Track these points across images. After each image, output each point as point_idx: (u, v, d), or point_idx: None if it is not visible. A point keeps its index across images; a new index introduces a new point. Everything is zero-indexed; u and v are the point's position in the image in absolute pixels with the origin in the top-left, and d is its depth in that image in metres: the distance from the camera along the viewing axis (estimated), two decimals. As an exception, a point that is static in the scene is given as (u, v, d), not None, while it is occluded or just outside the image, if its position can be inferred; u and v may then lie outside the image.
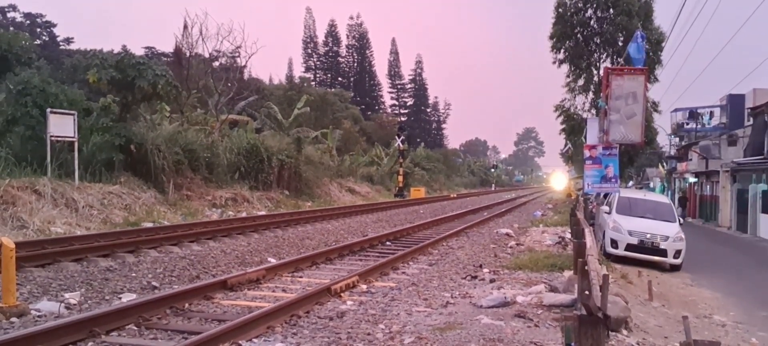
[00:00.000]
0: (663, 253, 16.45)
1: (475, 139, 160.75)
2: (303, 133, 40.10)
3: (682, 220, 18.81)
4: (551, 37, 29.41)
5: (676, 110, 49.88)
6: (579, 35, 29.28)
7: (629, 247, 16.48)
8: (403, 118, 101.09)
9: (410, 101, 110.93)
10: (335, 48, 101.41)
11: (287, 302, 8.19)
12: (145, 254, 12.08)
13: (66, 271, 10.06)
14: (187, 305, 8.37)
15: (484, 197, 52.48)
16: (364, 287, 10.20)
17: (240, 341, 6.78)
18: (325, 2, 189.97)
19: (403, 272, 12.06)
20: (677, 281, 15.46)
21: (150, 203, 19.60)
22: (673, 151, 53.82)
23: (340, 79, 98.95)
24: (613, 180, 16.91)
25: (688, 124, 47.36)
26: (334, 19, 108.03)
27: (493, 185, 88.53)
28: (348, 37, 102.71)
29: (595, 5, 28.68)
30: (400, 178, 46.00)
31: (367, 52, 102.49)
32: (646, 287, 12.77)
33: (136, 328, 7.20)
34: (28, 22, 54.88)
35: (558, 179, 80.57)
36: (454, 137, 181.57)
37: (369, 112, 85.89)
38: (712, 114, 46.81)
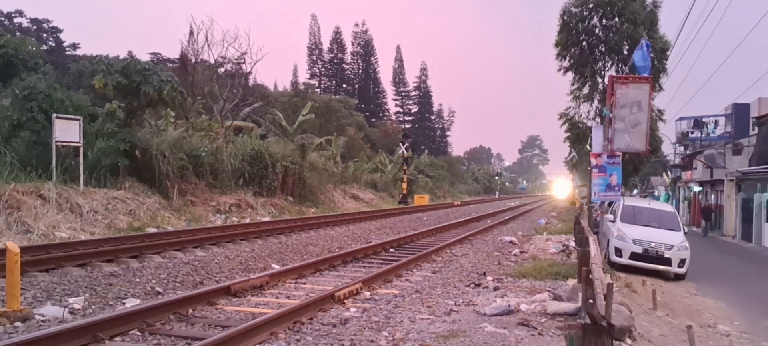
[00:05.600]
0: (667, 262, 16.40)
1: (480, 147, 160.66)
2: (307, 140, 40.17)
3: (689, 231, 18.67)
4: (556, 45, 29.39)
5: (681, 119, 49.80)
6: (584, 43, 29.25)
7: (633, 256, 16.44)
8: (407, 126, 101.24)
9: (415, 108, 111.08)
10: (340, 55, 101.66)
11: (290, 308, 8.18)
12: (149, 259, 12.10)
13: (70, 276, 10.08)
14: (190, 310, 8.38)
15: (488, 205, 52.44)
16: (367, 294, 10.19)
17: (243, 348, 6.77)
18: (331, 9, 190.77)
19: (407, 280, 12.04)
20: (681, 290, 15.41)
21: (154, 209, 19.63)
22: (677, 160, 53.70)
23: (344, 86, 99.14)
24: (616, 188, 16.91)
25: (692, 133, 47.25)
26: (340, 26, 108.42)
27: (498, 193, 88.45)
28: (353, 45, 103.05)
29: (600, 13, 28.66)
30: (404, 185, 46.01)
31: (372, 59, 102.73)
32: (651, 296, 12.74)
33: (139, 333, 7.20)
34: (34, 27, 55.20)
35: (560, 186, 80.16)
36: (459, 145, 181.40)
37: (373, 119, 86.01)
38: (716, 123, 46.71)
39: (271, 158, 28.28)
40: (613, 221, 17.80)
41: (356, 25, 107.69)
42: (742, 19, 36.33)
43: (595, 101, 28.99)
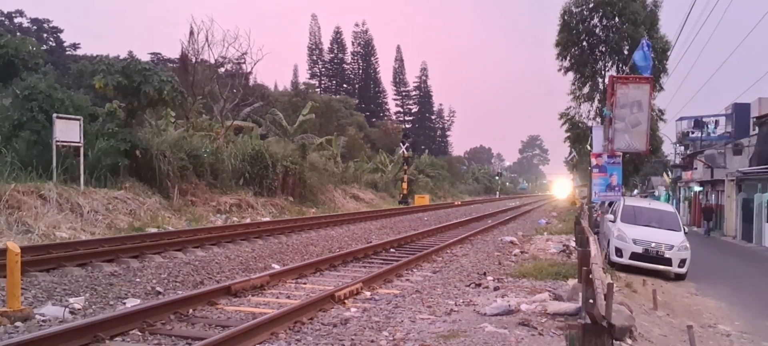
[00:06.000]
0: (668, 262, 16.40)
1: (480, 147, 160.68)
2: (307, 140, 40.16)
3: (690, 231, 18.67)
4: (557, 45, 29.38)
5: (681, 119, 49.79)
6: (584, 43, 29.23)
7: (634, 256, 16.44)
8: (407, 125, 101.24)
9: (415, 108, 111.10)
10: (340, 55, 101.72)
11: (291, 308, 8.18)
12: (150, 259, 12.10)
13: (71, 276, 10.08)
14: (191, 310, 8.38)
15: (488, 205, 52.43)
16: (367, 294, 10.19)
17: (243, 347, 6.77)
18: (331, 9, 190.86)
19: (407, 280, 12.04)
20: (682, 290, 15.41)
21: (155, 209, 19.63)
22: (678, 160, 53.68)
23: (345, 85, 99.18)
24: (616, 188, 16.92)
25: (693, 133, 47.23)
26: (340, 26, 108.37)
27: (498, 193, 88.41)
28: (353, 44, 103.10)
29: (601, 13, 28.65)
30: (405, 185, 46.00)
31: (372, 59, 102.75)
32: (651, 296, 12.74)
33: (140, 333, 7.21)
34: (34, 27, 55.20)
35: (561, 186, 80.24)
36: (459, 144, 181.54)
37: (374, 119, 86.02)
38: (717, 123, 46.68)
39: (271, 158, 28.27)
40: (614, 221, 17.80)
41: (356, 25, 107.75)
42: (743, 19, 36.34)
43: (596, 101, 28.97)
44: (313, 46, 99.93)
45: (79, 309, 8.27)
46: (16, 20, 54.56)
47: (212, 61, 32.56)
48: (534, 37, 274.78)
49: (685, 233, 17.52)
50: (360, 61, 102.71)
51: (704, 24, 59.78)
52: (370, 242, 17.40)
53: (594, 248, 9.45)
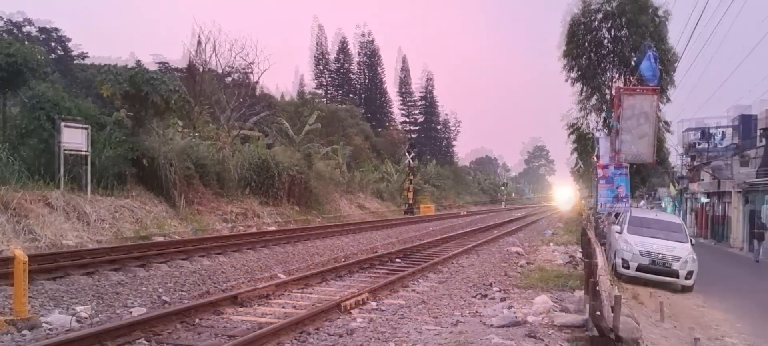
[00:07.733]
0: (675, 273, 16.32)
1: (485, 157, 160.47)
2: (313, 149, 40.20)
3: (697, 242, 18.49)
4: (564, 56, 29.30)
5: (687, 130, 49.68)
6: (592, 54, 29.15)
7: (641, 267, 16.38)
8: (413, 135, 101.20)
9: (420, 117, 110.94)
10: (346, 64, 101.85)
11: (297, 318, 8.18)
12: (156, 267, 12.11)
13: (77, 284, 10.10)
14: (197, 319, 8.38)
15: (494, 215, 52.31)
16: (373, 303, 10.17)
17: (249, 357, 6.77)
18: (336, 17, 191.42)
19: (413, 289, 12.02)
20: (689, 302, 15.33)
21: (161, 217, 19.66)
22: (684, 171, 53.50)
23: (350, 94, 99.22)
24: (624, 199, 16.88)
25: (700, 143, 47.10)
26: (346, 36, 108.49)
27: (504, 203, 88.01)
28: (359, 54, 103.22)
29: (609, 24, 28.58)
30: (410, 194, 45.96)
31: (378, 68, 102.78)
32: (658, 308, 12.68)
33: (146, 342, 7.21)
34: (43, 36, 55.48)
35: (565, 196, 79.30)
36: (464, 153, 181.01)
37: (379, 128, 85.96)
38: (724, 134, 46.56)
39: (277, 167, 28.31)
40: (620, 232, 17.74)
41: (362, 34, 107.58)
42: (746, 20, 36.20)
43: (603, 112, 28.89)
44: (319, 56, 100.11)
45: (85, 317, 8.29)
46: (24, 29, 54.86)
47: (219, 70, 32.72)
48: (541, 45, 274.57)
49: (692, 245, 17.44)
50: (366, 71, 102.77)
51: (714, 30, 59.65)
52: (376, 252, 17.40)
53: (601, 259, 9.42)
